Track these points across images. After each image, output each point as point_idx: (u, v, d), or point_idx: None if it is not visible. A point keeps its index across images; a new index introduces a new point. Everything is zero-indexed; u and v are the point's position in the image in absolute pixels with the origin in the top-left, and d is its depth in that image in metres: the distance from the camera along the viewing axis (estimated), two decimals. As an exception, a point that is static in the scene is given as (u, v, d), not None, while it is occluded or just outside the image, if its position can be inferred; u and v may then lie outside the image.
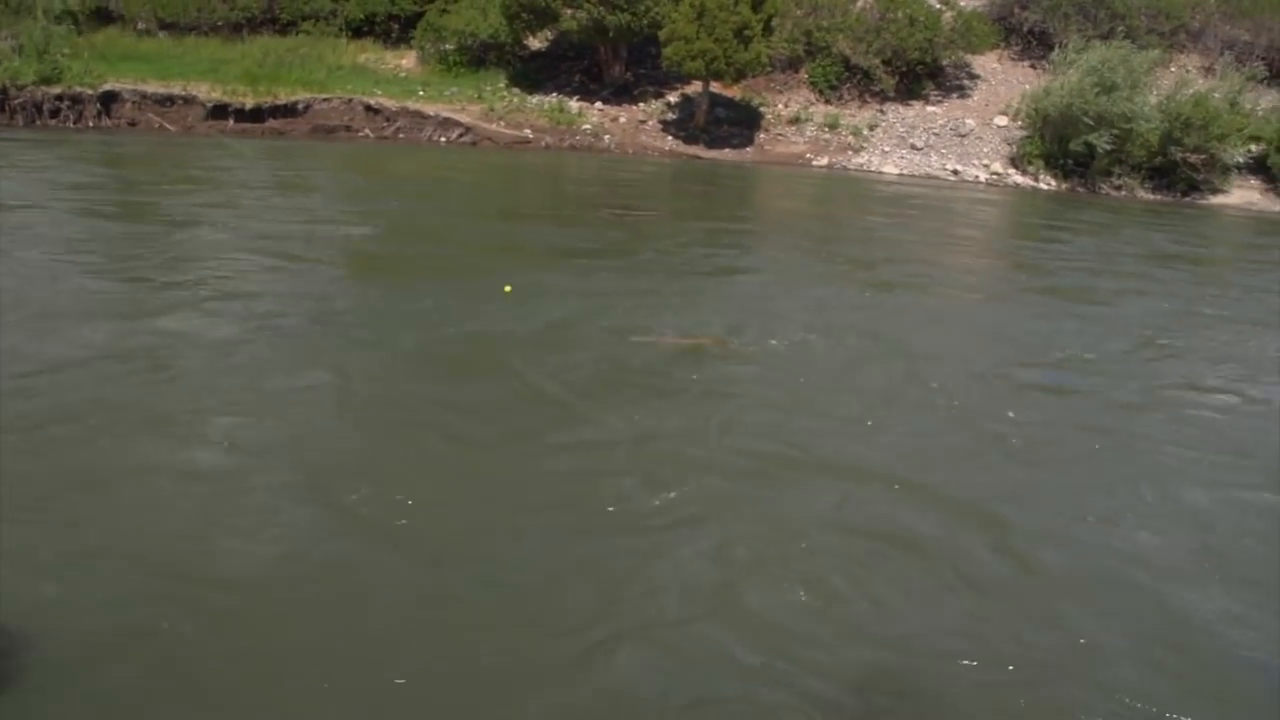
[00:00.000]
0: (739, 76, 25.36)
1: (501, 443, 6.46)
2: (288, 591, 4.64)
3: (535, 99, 27.46)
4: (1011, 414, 7.62)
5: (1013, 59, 30.33)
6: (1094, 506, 6.15)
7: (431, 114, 25.86)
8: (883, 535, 5.59)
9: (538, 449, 6.40)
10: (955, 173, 25.62)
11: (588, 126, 26.40)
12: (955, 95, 28.96)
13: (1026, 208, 22.69)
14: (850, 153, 26.45)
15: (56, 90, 24.66)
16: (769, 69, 28.23)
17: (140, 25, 34.57)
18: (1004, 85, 29.12)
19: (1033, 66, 29.41)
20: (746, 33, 24.35)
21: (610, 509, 5.57)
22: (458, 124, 25.58)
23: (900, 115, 28.12)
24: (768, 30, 25.54)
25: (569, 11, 26.39)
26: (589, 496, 5.77)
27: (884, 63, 28.24)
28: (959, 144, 26.77)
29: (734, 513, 5.69)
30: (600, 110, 27.42)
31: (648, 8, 25.80)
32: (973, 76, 29.56)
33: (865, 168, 25.84)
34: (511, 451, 6.35)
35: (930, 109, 28.41)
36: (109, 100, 25.14)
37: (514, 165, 22.79)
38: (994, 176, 25.54)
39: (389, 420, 6.76)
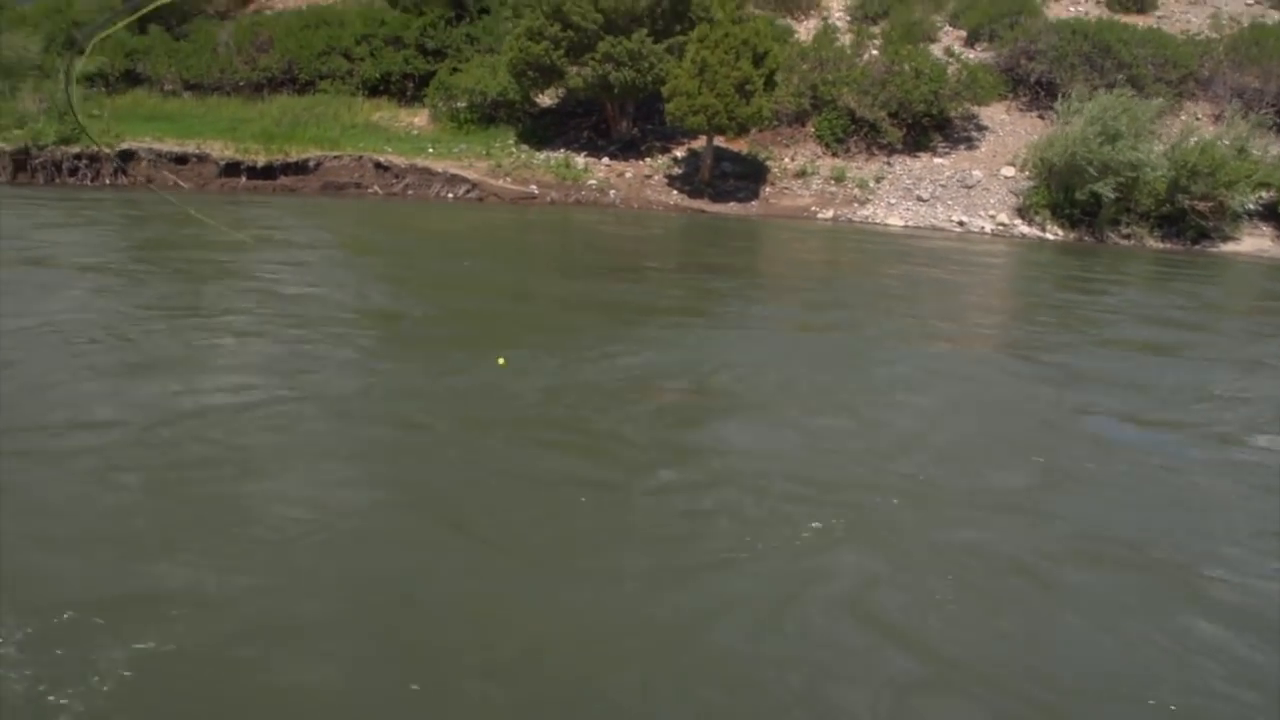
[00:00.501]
0: (741, 131, 25.58)
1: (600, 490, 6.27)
2: (414, 638, 4.54)
3: (543, 155, 27.83)
4: (1118, 468, 7.36)
5: (1021, 110, 30.35)
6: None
7: (439, 171, 26.26)
8: (985, 558, 5.55)
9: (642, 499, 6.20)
10: (961, 224, 25.59)
11: (593, 182, 26.68)
12: (963, 147, 28.99)
13: (1035, 257, 22.52)
14: (855, 205, 26.51)
15: (75, 149, 25.31)
16: (774, 123, 28.51)
17: (167, 86, 35.54)
18: (1012, 136, 29.12)
19: (1041, 117, 29.38)
20: (748, 87, 24.58)
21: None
22: (464, 180, 25.95)
23: (907, 167, 28.18)
24: (770, 85, 25.75)
25: (574, 69, 26.78)
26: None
27: (890, 115, 28.37)
28: (965, 195, 26.76)
29: (872, 551, 5.53)
30: (607, 166, 27.72)
31: (652, 64, 26.13)
32: (980, 128, 29.59)
33: (870, 220, 25.88)
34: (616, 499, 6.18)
35: (938, 161, 28.45)
36: (126, 159, 25.76)
37: (523, 221, 22.92)
38: (1000, 227, 25.48)
39: (485, 469, 6.51)
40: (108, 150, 25.31)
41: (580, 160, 27.65)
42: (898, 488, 6.40)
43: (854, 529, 5.69)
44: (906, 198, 26.82)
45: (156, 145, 26.09)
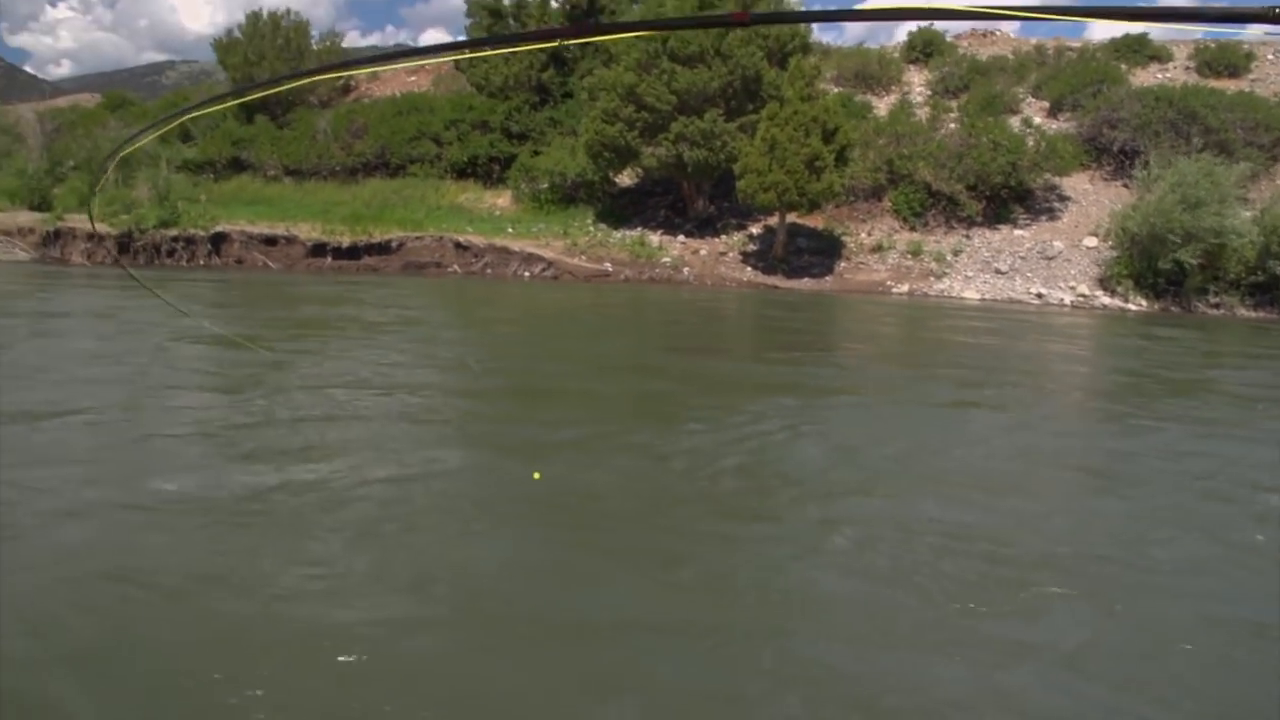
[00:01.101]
0: (813, 207, 25.65)
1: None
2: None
3: (619, 234, 28.32)
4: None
5: (1105, 179, 29.82)
6: None
7: (517, 250, 26.90)
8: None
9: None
10: (1039, 296, 25.13)
11: (667, 259, 27.01)
12: (1044, 218, 28.56)
13: (1118, 329, 21.80)
14: (932, 279, 26.28)
15: (173, 232, 26.72)
16: (850, 198, 28.61)
17: (269, 172, 37.29)
18: (1095, 206, 28.59)
19: (1125, 185, 28.78)
20: (818, 163, 24.71)
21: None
22: (541, 259, 26.52)
23: (986, 240, 27.87)
24: (842, 161, 25.85)
25: (649, 149, 27.30)
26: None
27: (968, 188, 28.17)
28: (1045, 267, 26.31)
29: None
30: (683, 243, 28.06)
31: (724, 143, 26.51)
32: (1063, 198, 29.14)
33: (946, 293, 25.60)
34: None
35: (1018, 232, 28.06)
36: (219, 241, 27.08)
37: (602, 299, 23.08)
38: (1080, 299, 24.94)
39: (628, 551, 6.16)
40: (203, 233, 26.64)
41: (655, 238, 28.06)
42: (1112, 559, 6.14)
43: (1094, 598, 5.49)
44: (984, 270, 26.49)
45: (248, 228, 27.40)
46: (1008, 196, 28.50)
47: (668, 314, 20.86)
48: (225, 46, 41.51)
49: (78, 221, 27.20)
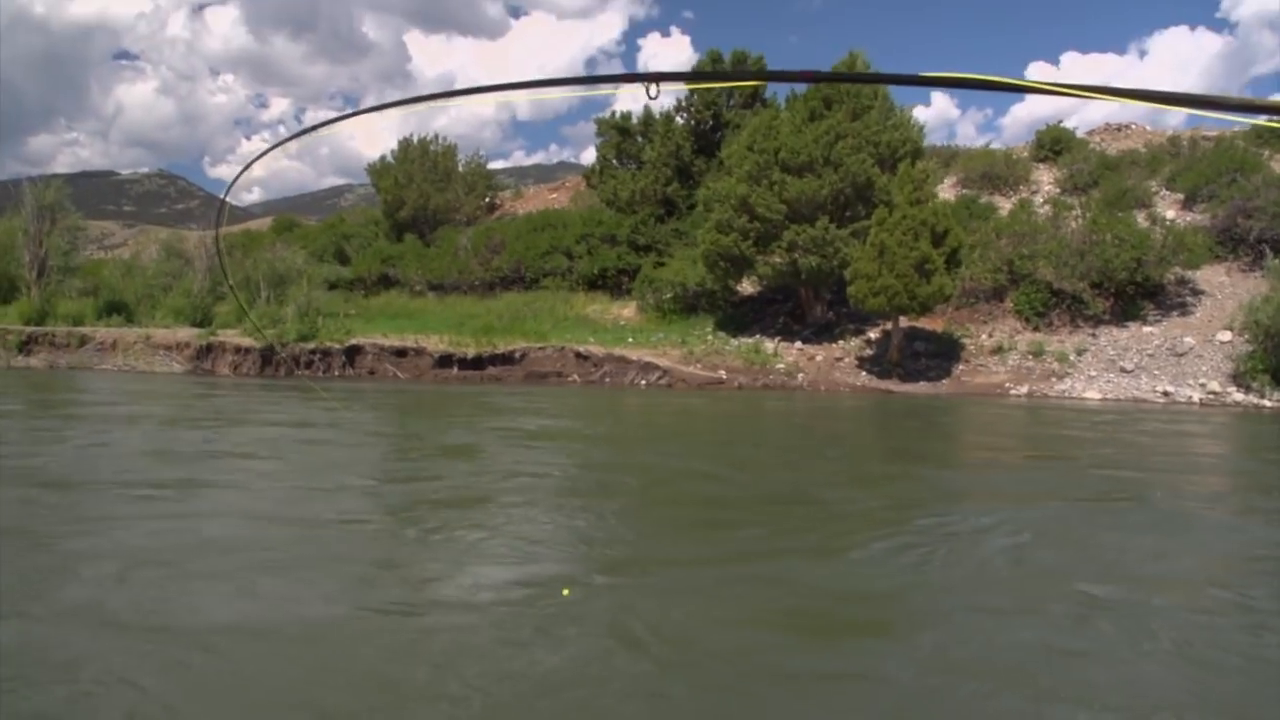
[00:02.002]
0: (923, 310, 25.61)
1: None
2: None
3: (736, 341, 28.80)
4: None
5: (1243, 270, 28.69)
6: None
7: (634, 359, 27.66)
8: None
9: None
10: (1166, 394, 24.24)
11: (781, 366, 27.28)
12: (1175, 313, 27.64)
13: (1257, 426, 20.77)
14: (1053, 379, 25.71)
15: (311, 345, 28.68)
16: (971, 300, 28.43)
17: (416, 287, 39.44)
18: (1231, 299, 27.51)
19: (1263, 277, 27.69)
20: (927, 267, 24.75)
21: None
22: (656, 367, 27.18)
23: (1113, 338, 27.14)
24: (954, 263, 25.80)
25: (763, 258, 27.87)
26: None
27: (1092, 286, 27.62)
28: (1175, 364, 25.41)
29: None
30: (799, 349, 28.32)
31: (837, 249, 26.84)
32: (1196, 292, 28.17)
33: (1067, 394, 24.97)
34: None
35: (1147, 329, 27.23)
36: (353, 353, 28.85)
37: (721, 406, 23.32)
38: (1210, 396, 23.93)
39: None
40: (338, 346, 28.50)
41: (770, 345, 28.40)
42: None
43: None
44: (1109, 369, 25.76)
45: (381, 341, 29.11)
46: (1135, 293, 27.76)
47: (790, 420, 21.08)
48: (379, 171, 44.55)
49: (228, 337, 29.58)
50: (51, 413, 19.67)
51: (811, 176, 27.13)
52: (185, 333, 30.39)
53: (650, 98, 2.24)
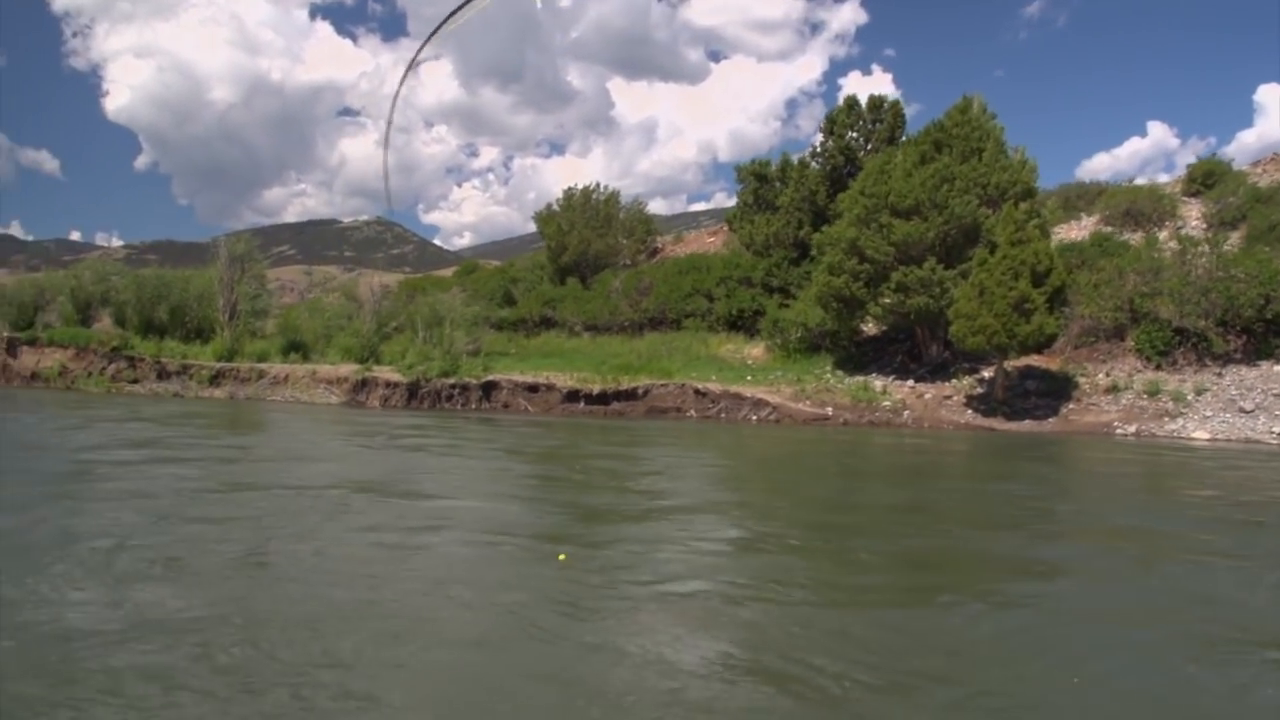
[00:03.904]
0: (1022, 349, 25.77)
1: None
2: None
3: (849, 380, 29.60)
4: None
5: (1390, 308, 27.28)
6: None
7: (748, 395, 28.91)
8: None
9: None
10: (1281, 436, 23.57)
11: (888, 403, 27.92)
12: (1313, 352, 26.62)
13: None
14: (1165, 419, 25.31)
15: (451, 381, 31.34)
16: (1091, 339, 28.27)
17: (574, 328, 41.87)
18: (1375, 338, 26.29)
19: None
20: (1027, 306, 24.97)
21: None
22: (767, 404, 28.36)
23: (1239, 377, 26.38)
24: (1060, 302, 25.88)
25: (874, 299, 28.65)
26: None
27: (1220, 323, 26.98)
28: (1300, 405, 24.60)
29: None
30: (910, 388, 28.85)
31: (945, 289, 27.35)
32: (1336, 330, 27.02)
33: (1177, 434, 24.57)
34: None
35: (1278, 368, 26.37)
36: (489, 388, 31.32)
37: (833, 440, 24.17)
38: (1329, 440, 23.11)
39: None
40: (475, 381, 31.08)
41: (879, 383, 29.08)
42: None
43: None
44: (1228, 409, 25.14)
45: (515, 377, 31.50)
46: (1267, 330, 26.91)
47: (894, 457, 21.86)
48: (544, 218, 47.50)
49: (380, 373, 32.69)
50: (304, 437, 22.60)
51: (918, 219, 27.80)
52: (346, 368, 33.73)
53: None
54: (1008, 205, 26.60)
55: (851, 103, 37.38)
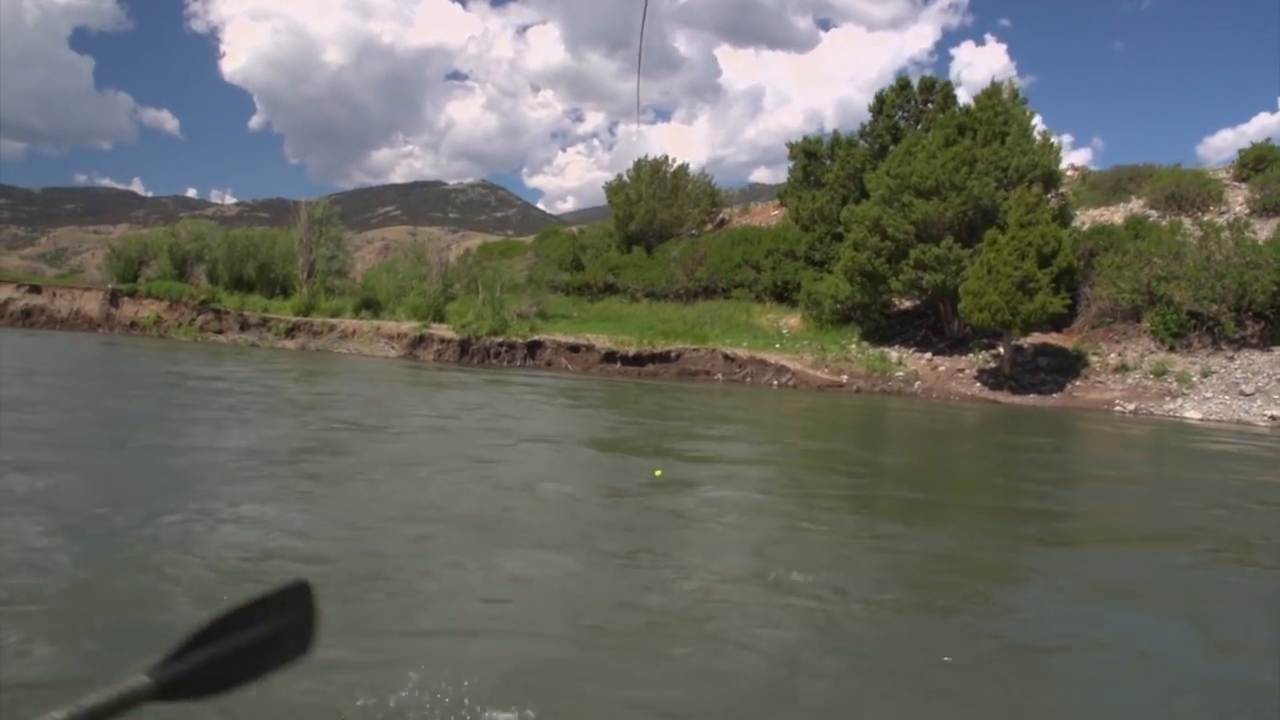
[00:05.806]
0: (1026, 327, 26.83)
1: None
2: None
3: (870, 350, 31.00)
4: None
5: None
6: None
7: (772, 362, 30.56)
8: None
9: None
10: (1274, 418, 24.27)
11: (900, 374, 29.29)
12: (1325, 338, 27.07)
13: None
14: (1166, 398, 26.19)
15: (500, 339, 33.64)
16: (1108, 319, 29.11)
17: (635, 294, 43.83)
18: (1388, 327, 26.62)
19: None
20: (1030, 285, 26.05)
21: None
22: (787, 370, 29.97)
23: (1249, 361, 27.01)
24: (1067, 282, 26.85)
25: (894, 275, 29.96)
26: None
27: (1235, 309, 27.58)
28: (1301, 389, 25.24)
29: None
30: (927, 360, 30.14)
31: (960, 268, 28.52)
32: (1352, 318, 27.38)
33: (1174, 413, 25.46)
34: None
35: (1289, 354, 26.94)
36: (535, 347, 33.54)
37: (848, 405, 25.48)
38: (1317, 424, 23.78)
39: None
40: (521, 340, 33.36)
41: (894, 354, 30.44)
42: None
43: None
44: (1229, 392, 25.89)
45: (559, 338, 33.63)
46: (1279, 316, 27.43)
47: (917, 425, 23.46)
48: (614, 189, 49.43)
49: (436, 330, 35.29)
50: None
51: (938, 200, 28.96)
52: (407, 325, 36.38)
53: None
54: (1020, 188, 27.60)
55: (904, 83, 38.32)
